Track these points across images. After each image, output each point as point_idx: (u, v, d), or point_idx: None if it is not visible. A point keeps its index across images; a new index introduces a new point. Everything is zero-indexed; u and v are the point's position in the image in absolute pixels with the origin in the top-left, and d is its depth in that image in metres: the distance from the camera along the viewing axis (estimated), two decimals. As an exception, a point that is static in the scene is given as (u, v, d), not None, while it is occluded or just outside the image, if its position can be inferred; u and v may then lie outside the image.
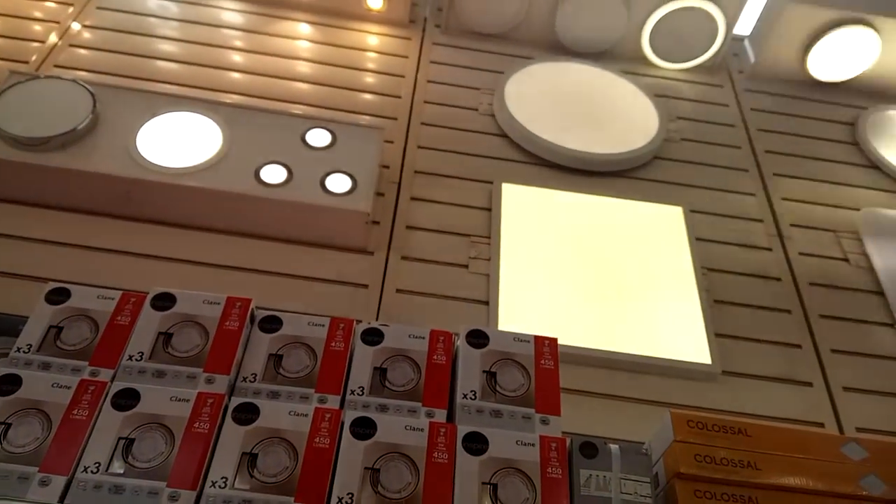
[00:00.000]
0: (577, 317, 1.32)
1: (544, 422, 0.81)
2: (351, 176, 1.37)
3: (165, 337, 0.81)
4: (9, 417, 0.72)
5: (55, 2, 1.81)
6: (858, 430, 1.25)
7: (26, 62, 1.62)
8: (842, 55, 1.92)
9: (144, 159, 1.31)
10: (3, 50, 1.65)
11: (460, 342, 0.88)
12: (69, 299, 0.83)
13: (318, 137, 1.43)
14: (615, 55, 1.92)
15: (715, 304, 1.40)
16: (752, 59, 1.99)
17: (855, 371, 1.34)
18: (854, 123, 1.89)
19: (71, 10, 1.78)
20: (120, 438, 0.72)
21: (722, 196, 1.65)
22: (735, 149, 1.78)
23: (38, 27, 1.73)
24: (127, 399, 0.74)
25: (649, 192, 1.61)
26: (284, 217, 1.34)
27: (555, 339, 0.90)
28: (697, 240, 1.49)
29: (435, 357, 0.86)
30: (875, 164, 1.79)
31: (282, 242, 1.37)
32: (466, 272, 1.40)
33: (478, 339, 0.88)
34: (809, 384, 1.31)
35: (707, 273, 1.44)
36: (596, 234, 1.47)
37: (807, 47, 1.91)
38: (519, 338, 0.89)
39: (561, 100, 1.75)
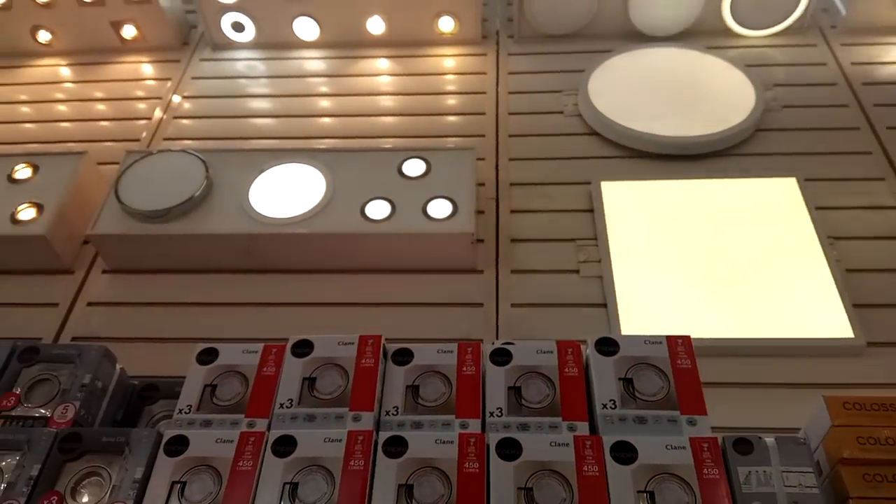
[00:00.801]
0: (702, 307, 1.28)
1: (691, 423, 0.79)
2: (450, 199, 1.39)
3: (310, 381, 0.85)
4: (183, 476, 0.78)
5: (154, 79, 1.94)
6: None
7: (137, 140, 1.75)
8: (946, -12, 1.79)
9: (259, 214, 1.38)
10: (117, 132, 1.79)
11: (590, 351, 0.88)
12: (218, 358, 0.89)
13: (414, 167, 1.46)
14: (697, 32, 1.87)
15: (847, 273, 1.33)
16: (842, 11, 1.88)
17: None
18: (971, 58, 1.76)
19: (169, 83, 1.91)
20: (285, 483, 0.76)
21: (836, 159, 1.56)
22: (842, 108, 1.68)
23: (142, 105, 1.86)
24: (285, 446, 0.79)
25: (757, 167, 1.55)
26: (393, 249, 1.38)
27: (688, 337, 0.88)
28: (817, 209, 1.42)
29: (566, 370, 0.86)
30: None
31: (394, 273, 1.41)
32: (578, 277, 1.39)
33: (608, 346, 0.87)
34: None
35: (834, 242, 1.37)
36: (707, 219, 1.43)
37: (904, -13, 1.80)
38: (650, 340, 0.88)
39: (648, 88, 1.72)
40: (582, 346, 0.91)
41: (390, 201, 1.39)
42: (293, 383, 0.85)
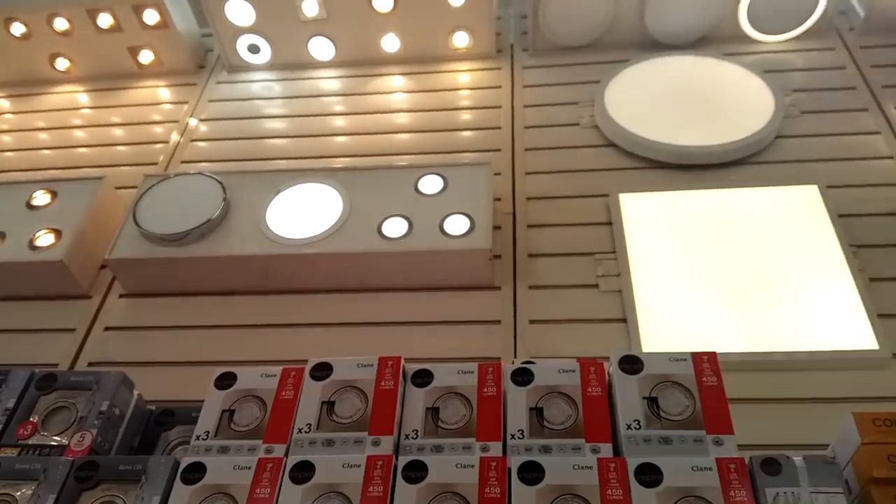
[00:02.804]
0: (724, 321, 1.26)
1: (718, 443, 0.77)
2: (467, 215, 1.39)
3: (329, 405, 0.84)
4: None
5: (171, 102, 1.96)
6: None
7: (155, 163, 1.77)
8: (967, -12, 1.76)
9: (276, 235, 1.38)
10: (134, 156, 1.81)
11: (613, 370, 0.86)
12: (236, 382, 0.89)
13: (430, 184, 1.46)
14: (714, 40, 1.85)
15: (871, 282, 1.30)
16: (861, 13, 1.86)
17: None
18: None
19: (186, 107, 1.93)
20: (304, 511, 0.75)
21: (857, 165, 1.53)
22: (861, 112, 1.65)
23: (159, 129, 1.88)
24: (303, 472, 0.78)
25: (778, 175, 1.52)
26: (411, 267, 1.37)
27: (714, 354, 0.86)
28: (840, 216, 1.39)
29: (590, 389, 0.85)
30: None
31: (412, 291, 1.40)
32: (598, 292, 1.37)
33: (631, 364, 0.86)
34: None
35: (857, 251, 1.34)
36: (728, 229, 1.40)
37: (924, -12, 1.77)
38: (675, 357, 0.86)
39: (665, 97, 1.70)
40: (605, 364, 0.89)
41: (407, 219, 1.39)
42: (312, 407, 0.84)
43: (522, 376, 0.87)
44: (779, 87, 1.66)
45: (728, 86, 1.70)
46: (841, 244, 1.34)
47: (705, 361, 0.85)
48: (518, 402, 0.84)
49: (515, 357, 1.28)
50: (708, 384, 0.83)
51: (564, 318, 1.34)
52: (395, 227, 1.38)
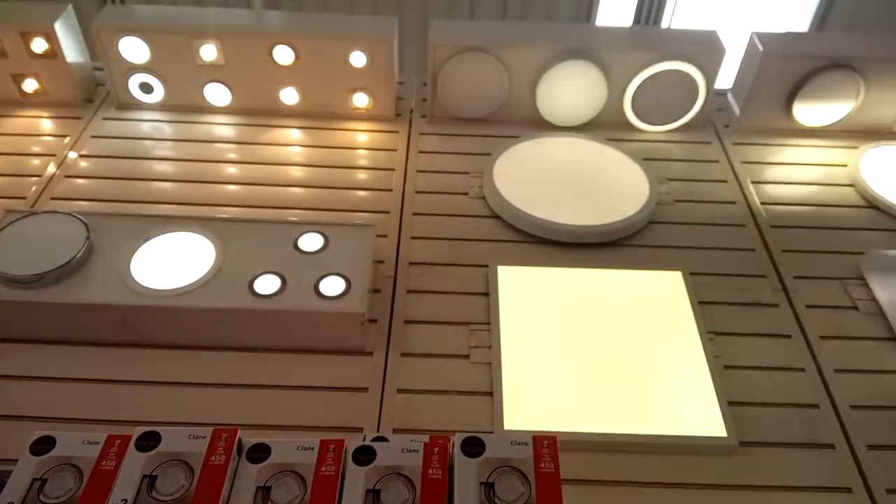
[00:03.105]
0: (584, 399, 1.29)
1: (545, 534, 0.77)
2: (344, 277, 1.37)
3: (150, 480, 0.79)
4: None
5: (51, 135, 1.88)
6: (888, 491, 1.18)
7: (24, 198, 1.67)
8: (826, 99, 1.92)
9: (139, 284, 1.32)
10: (2, 188, 1.71)
11: (455, 452, 0.86)
12: (54, 448, 0.83)
13: (311, 242, 1.44)
14: (600, 124, 1.94)
15: (726, 370, 1.36)
16: (736, 112, 2.00)
17: (881, 429, 1.28)
18: (847, 165, 1.88)
19: (67, 139, 1.85)
20: None
21: (721, 255, 1.62)
22: (730, 204, 1.76)
23: (36, 161, 1.79)
24: (111, 555, 0.73)
25: (647, 259, 1.59)
26: (281, 327, 1.34)
27: (554, 438, 0.87)
28: (700, 303, 1.46)
29: (430, 472, 0.84)
30: (873, 204, 1.77)
31: (281, 353, 1.36)
32: (468, 363, 1.37)
33: (473, 447, 0.86)
34: (831, 446, 1.25)
35: (714, 338, 1.41)
36: (597, 308, 1.45)
37: (790, 95, 1.92)
38: (517, 440, 0.87)
39: (550, 175, 1.76)
40: (450, 445, 0.89)
41: (282, 276, 1.36)
42: (132, 481, 0.79)
43: (364, 455, 0.85)
44: (655, 174, 1.76)
45: (609, 169, 1.78)
46: (699, 330, 1.40)
47: (545, 446, 0.86)
48: (355, 485, 0.82)
49: (379, 428, 1.26)
50: (545, 471, 0.83)
51: (433, 388, 1.33)
52: (267, 284, 1.34)
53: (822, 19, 5.41)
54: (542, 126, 1.93)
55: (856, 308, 1.51)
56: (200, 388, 1.31)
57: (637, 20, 5.21)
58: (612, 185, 1.73)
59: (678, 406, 1.27)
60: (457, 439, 0.87)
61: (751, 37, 1.92)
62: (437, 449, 0.87)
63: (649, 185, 1.71)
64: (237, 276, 1.35)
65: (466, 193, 1.77)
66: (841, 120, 1.96)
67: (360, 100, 1.94)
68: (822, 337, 1.44)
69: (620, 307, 1.45)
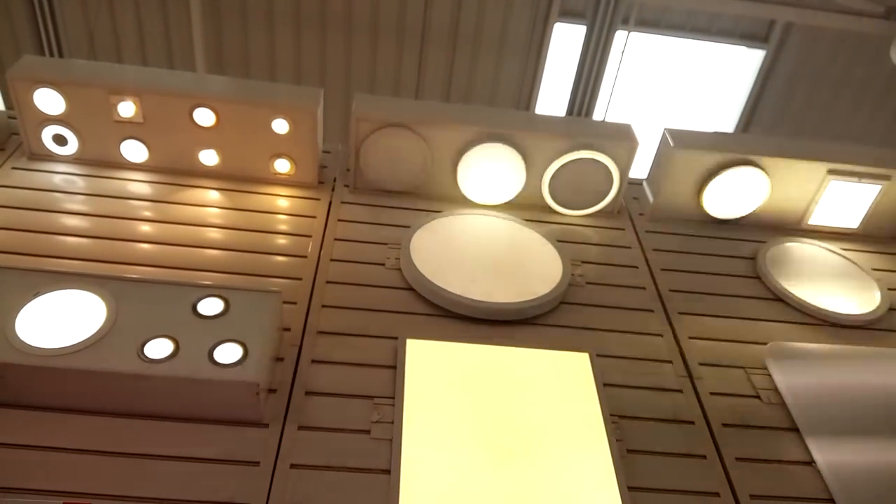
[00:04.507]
0: (484, 481, 1.25)
1: None
2: (242, 344, 1.32)
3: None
4: None
5: (-45, 183, 1.79)
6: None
7: (-88, 245, 1.57)
8: (734, 193, 2.01)
9: (21, 342, 1.24)
10: None
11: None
12: None
13: (211, 306, 1.39)
14: (519, 205, 1.98)
15: (628, 454, 1.35)
16: (650, 200, 2.07)
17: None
18: (754, 258, 1.95)
19: (-30, 189, 1.77)
20: None
21: (629, 338, 1.64)
22: (639, 290, 1.80)
23: (-66, 209, 1.70)
24: None
25: (556, 339, 1.60)
26: (170, 393, 1.27)
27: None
28: (606, 386, 1.46)
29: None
30: (778, 297, 1.83)
31: (170, 421, 1.29)
32: (369, 438, 1.33)
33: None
34: (731, 536, 1.25)
35: (618, 421, 1.41)
36: (504, 387, 1.43)
37: (700, 188, 2.01)
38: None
39: (467, 251, 1.77)
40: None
41: (175, 341, 1.30)
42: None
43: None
44: (569, 256, 1.78)
45: (525, 249, 1.80)
46: (602, 413, 1.40)
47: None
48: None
49: (266, 505, 1.19)
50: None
51: (329, 464, 1.28)
52: (158, 349, 1.28)
53: (745, 124, 5.78)
54: (463, 203, 1.95)
55: (758, 397, 1.53)
56: (77, 455, 1.21)
57: (570, 112, 5.45)
58: (527, 265, 1.75)
59: (578, 490, 1.25)
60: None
61: (663, 132, 2.01)
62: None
63: (563, 267, 1.74)
64: (128, 339, 1.29)
65: (383, 264, 1.75)
66: (749, 214, 2.05)
67: (283, 166, 1.93)
68: (724, 425, 1.46)
69: (527, 387, 1.44)
